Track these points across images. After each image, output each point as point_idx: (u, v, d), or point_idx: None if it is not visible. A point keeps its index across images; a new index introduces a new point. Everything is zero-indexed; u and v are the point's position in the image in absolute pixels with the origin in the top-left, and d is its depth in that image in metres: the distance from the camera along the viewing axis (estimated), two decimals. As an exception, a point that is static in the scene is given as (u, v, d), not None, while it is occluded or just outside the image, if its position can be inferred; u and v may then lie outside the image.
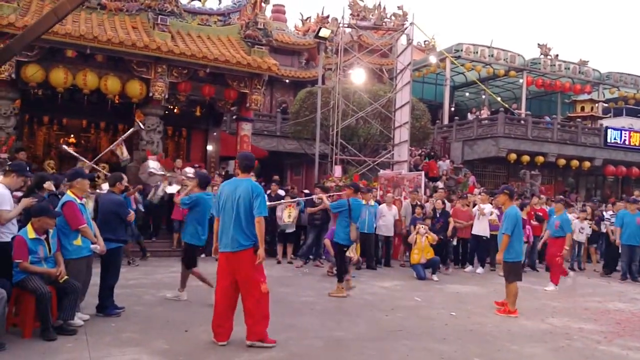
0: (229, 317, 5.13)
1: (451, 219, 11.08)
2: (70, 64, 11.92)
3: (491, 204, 11.36)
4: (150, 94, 12.35)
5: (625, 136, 22.35)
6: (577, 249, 12.50)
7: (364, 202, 10.78)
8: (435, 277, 9.72)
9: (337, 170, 15.51)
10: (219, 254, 5.16)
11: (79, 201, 5.55)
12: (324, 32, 16.02)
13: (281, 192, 12.11)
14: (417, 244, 9.83)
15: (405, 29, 17.14)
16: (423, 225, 10.05)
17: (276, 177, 13.70)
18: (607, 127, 22.38)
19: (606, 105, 28.23)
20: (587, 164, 21.40)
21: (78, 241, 5.47)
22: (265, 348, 4.97)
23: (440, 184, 15.86)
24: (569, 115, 25.23)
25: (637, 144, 22.40)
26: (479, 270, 11.04)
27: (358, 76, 17.70)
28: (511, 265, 7.12)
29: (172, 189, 10.59)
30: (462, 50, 23.46)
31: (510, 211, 7.22)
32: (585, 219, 12.33)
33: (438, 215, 10.94)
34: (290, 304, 7.08)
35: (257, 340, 5.01)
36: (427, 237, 9.86)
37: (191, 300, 6.91)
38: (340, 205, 8.06)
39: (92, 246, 5.57)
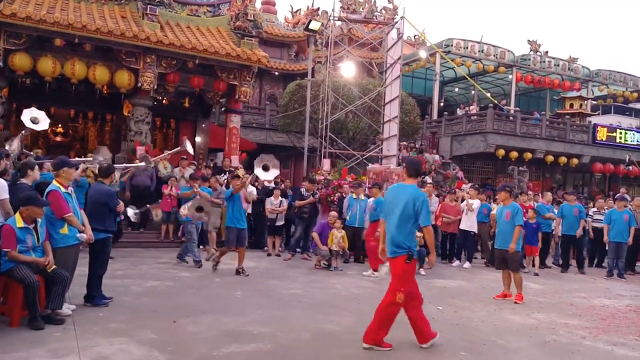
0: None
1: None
2: (59, 53, 11.79)
3: (480, 199, 11.47)
4: (139, 85, 12.26)
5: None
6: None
7: (354, 196, 10.86)
8: (422, 271, 9.78)
9: (326, 164, 15.50)
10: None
11: (64, 190, 5.50)
12: (314, 25, 15.96)
13: (272, 185, 12.08)
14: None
15: (396, 23, 17.11)
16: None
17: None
18: (595, 124, 22.62)
19: (595, 102, 28.49)
20: (575, 160, 21.61)
21: (64, 230, 5.44)
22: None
23: (428, 179, 15.92)
24: (558, 112, 25.42)
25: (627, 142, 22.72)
26: (466, 265, 11.13)
27: (348, 70, 17.67)
28: (518, 254, 7.98)
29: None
30: (452, 45, 23.52)
31: (516, 206, 7.96)
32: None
33: None
34: (278, 297, 7.10)
35: (374, 344, 5.00)
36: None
37: (178, 292, 6.89)
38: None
39: (78, 235, 5.52)
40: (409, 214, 4.93)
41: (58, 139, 17.54)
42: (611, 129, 22.62)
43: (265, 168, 9.20)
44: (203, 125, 16.61)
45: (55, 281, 5.17)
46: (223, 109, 15.74)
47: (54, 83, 12.75)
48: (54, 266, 5.22)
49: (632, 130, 23.56)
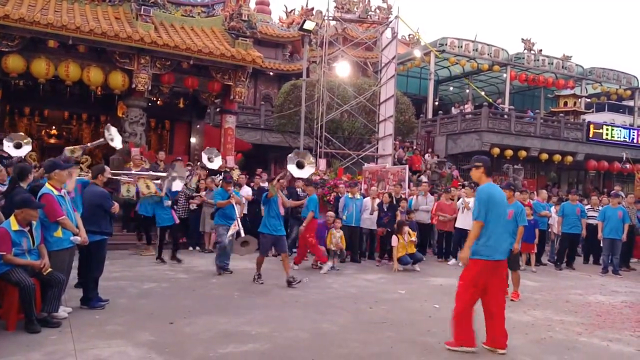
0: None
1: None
2: (52, 54, 11.75)
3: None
4: (133, 86, 12.24)
5: (633, 134, 22.83)
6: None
7: (350, 195, 10.88)
8: (417, 267, 9.86)
9: (322, 164, 15.50)
10: (484, 261, 4.95)
11: (57, 193, 5.47)
12: (309, 25, 15.96)
13: (266, 185, 12.07)
14: (401, 242, 9.91)
15: (390, 22, 17.15)
16: (405, 227, 10.11)
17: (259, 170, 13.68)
18: (589, 122, 22.72)
19: (589, 100, 28.62)
20: (569, 158, 21.71)
21: (59, 233, 5.41)
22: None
23: (424, 178, 15.96)
24: (552, 110, 25.54)
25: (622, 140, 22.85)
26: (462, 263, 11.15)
27: (342, 69, 17.70)
28: (519, 253, 8.31)
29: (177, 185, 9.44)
30: (446, 45, 23.58)
31: (520, 205, 8.08)
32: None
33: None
34: (275, 297, 7.10)
35: (496, 348, 5.05)
36: (408, 233, 9.95)
37: (175, 293, 6.89)
38: None
39: (72, 238, 5.49)
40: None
41: (52, 140, 17.46)
42: (598, 125, 22.74)
43: (300, 165, 8.39)
44: (198, 126, 16.58)
45: (51, 284, 5.16)
46: (218, 109, 15.72)
47: (48, 85, 12.70)
48: (49, 269, 5.20)
49: (619, 127, 23.68)
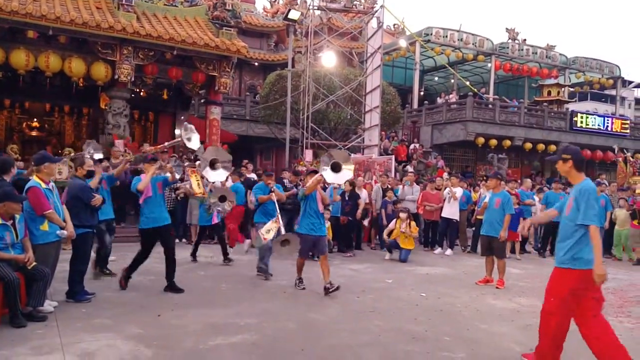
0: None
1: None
2: (32, 45, 11.52)
3: (461, 187, 11.62)
4: (116, 77, 12.07)
5: (608, 122, 23.08)
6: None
7: (335, 186, 10.87)
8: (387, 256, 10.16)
9: (308, 155, 15.50)
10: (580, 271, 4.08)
11: (44, 186, 5.40)
12: (294, 14, 15.87)
13: (252, 176, 12.04)
14: (397, 229, 9.97)
15: (376, 11, 17.11)
16: (403, 214, 10.16)
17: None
18: (573, 111, 22.96)
19: (572, 89, 28.90)
20: (552, 147, 21.94)
21: (45, 226, 5.34)
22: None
23: (410, 168, 16.04)
24: (536, 99, 25.76)
25: (618, 130, 23.14)
26: (448, 252, 11.27)
27: (328, 59, 17.63)
28: (505, 242, 8.30)
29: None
30: (431, 34, 23.61)
31: (507, 194, 8.22)
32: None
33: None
34: (263, 288, 7.11)
35: None
36: (408, 224, 9.99)
37: (163, 286, 6.85)
38: None
39: (58, 232, 5.43)
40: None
41: (34, 133, 17.19)
42: (573, 113, 22.98)
43: (336, 168, 6.69)
44: (182, 117, 16.42)
45: (35, 278, 5.09)
46: (202, 100, 15.59)
47: (28, 76, 12.47)
48: (34, 263, 5.13)
49: (593, 115, 23.96)
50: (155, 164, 6.71)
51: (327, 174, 6.69)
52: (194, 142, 7.37)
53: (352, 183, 11.08)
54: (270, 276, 7.80)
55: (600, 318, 4.18)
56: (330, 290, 6.73)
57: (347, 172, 6.79)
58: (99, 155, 8.17)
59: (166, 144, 8.14)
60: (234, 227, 10.27)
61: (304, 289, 7.05)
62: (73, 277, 5.91)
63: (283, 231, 6.96)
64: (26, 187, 5.38)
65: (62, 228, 5.46)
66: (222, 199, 8.10)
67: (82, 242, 5.95)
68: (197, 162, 8.94)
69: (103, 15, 11.83)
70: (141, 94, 14.44)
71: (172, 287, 6.61)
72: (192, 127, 7.37)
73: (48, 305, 5.34)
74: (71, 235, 5.58)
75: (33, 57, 11.45)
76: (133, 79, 12.38)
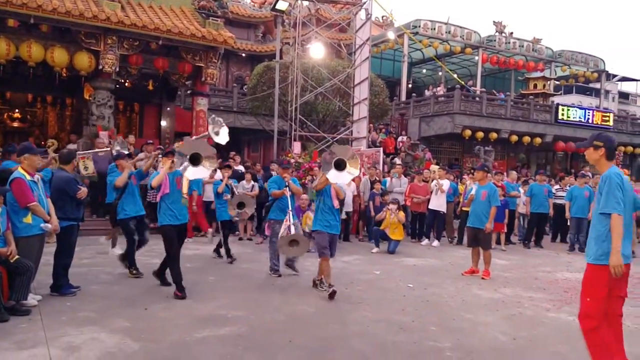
0: None
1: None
2: (13, 34, 11.29)
3: (448, 179, 11.68)
4: (100, 67, 11.90)
5: (589, 115, 23.27)
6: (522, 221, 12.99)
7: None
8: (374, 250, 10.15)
9: (296, 147, 15.42)
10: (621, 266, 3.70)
11: (29, 178, 5.30)
12: (281, 5, 15.71)
13: (240, 168, 11.98)
14: (387, 219, 10.01)
15: (364, 3, 17.01)
16: (393, 205, 10.20)
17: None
18: (558, 104, 23.13)
19: (557, 82, 29.11)
20: (538, 140, 22.13)
21: (28, 219, 5.25)
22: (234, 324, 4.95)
23: (397, 160, 16.06)
24: (522, 92, 25.90)
25: (598, 122, 23.35)
26: (435, 243, 11.33)
27: (316, 51, 17.52)
28: (491, 233, 8.45)
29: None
30: (419, 27, 23.58)
31: (493, 186, 8.35)
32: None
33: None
34: (251, 280, 7.09)
35: None
36: (396, 215, 10.03)
37: (149, 279, 6.80)
38: None
39: (42, 225, 5.33)
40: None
41: (15, 124, 16.87)
42: (558, 106, 23.14)
43: (340, 166, 6.09)
44: (168, 108, 16.26)
45: (19, 272, 5.01)
46: (189, 91, 15.43)
47: (10, 66, 12.21)
48: (16, 256, 5.05)
49: (574, 107, 24.16)
50: (171, 158, 6.31)
51: (332, 174, 6.11)
52: (222, 137, 6.98)
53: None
54: (297, 273, 7.62)
55: (621, 321, 3.92)
56: (321, 288, 6.32)
57: (353, 170, 6.17)
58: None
59: (193, 137, 7.91)
60: (199, 212, 10.49)
61: (324, 290, 6.28)
62: (57, 270, 5.84)
63: (293, 230, 6.56)
64: (10, 178, 5.28)
65: (46, 221, 5.36)
66: (241, 205, 7.88)
67: (66, 235, 5.87)
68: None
69: (86, 4, 11.62)
70: (126, 84, 14.26)
71: (162, 279, 6.49)
72: (221, 120, 7.09)
73: (32, 299, 5.27)
74: (55, 229, 5.49)
75: (14, 47, 11.22)
76: (118, 70, 12.21)
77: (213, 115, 7.75)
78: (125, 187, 7.02)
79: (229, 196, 8.68)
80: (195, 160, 5.91)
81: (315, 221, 6.58)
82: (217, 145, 8.00)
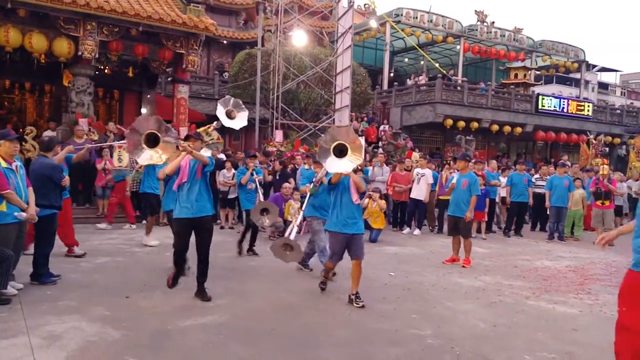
0: None
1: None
2: (-11, 18, 11.01)
3: (429, 168, 11.77)
4: (79, 53, 11.69)
5: (563, 104, 23.54)
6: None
7: (306, 167, 10.87)
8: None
9: (278, 135, 15.40)
10: None
11: (5, 165, 5.20)
12: (264, -8, 15.59)
13: (222, 157, 11.90)
14: (369, 208, 10.05)
15: (347, -9, 16.94)
16: (375, 194, 10.24)
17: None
18: (538, 94, 23.37)
19: (538, 72, 29.40)
20: (518, 129, 22.38)
21: (2, 207, 5.12)
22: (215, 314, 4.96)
23: (379, 149, 16.14)
24: (503, 82, 26.12)
25: (573, 112, 23.65)
26: (416, 232, 11.44)
27: (298, 38, 17.43)
28: (471, 222, 8.64)
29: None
30: (402, 15, 23.57)
31: (474, 176, 8.42)
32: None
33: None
34: (233, 269, 7.08)
35: None
36: (377, 202, 10.08)
37: (130, 267, 6.76)
38: None
39: (16, 213, 5.17)
40: None
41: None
42: (538, 96, 23.39)
43: (340, 152, 5.25)
44: (149, 96, 16.04)
45: (-3, 260, 4.94)
46: (170, 79, 15.25)
47: (-14, 52, 11.93)
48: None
49: (549, 96, 24.44)
50: (193, 141, 5.44)
51: (330, 163, 5.25)
52: (238, 121, 6.80)
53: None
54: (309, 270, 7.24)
55: None
56: (356, 304, 5.49)
57: (356, 158, 5.28)
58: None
59: (214, 123, 7.73)
60: (115, 202, 10.39)
61: (324, 289, 6.07)
62: (38, 259, 5.78)
63: (293, 235, 5.90)
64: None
65: (22, 210, 5.24)
66: (264, 212, 7.28)
67: (47, 224, 5.81)
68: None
69: (65, -12, 11.37)
70: (106, 71, 14.02)
71: (202, 293, 5.56)
72: (240, 101, 7.09)
73: (12, 288, 5.21)
74: (31, 218, 5.35)
75: (-10, 32, 10.95)
76: (97, 56, 12.02)
77: (229, 96, 7.51)
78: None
79: (253, 185, 8.26)
80: (153, 139, 5.27)
81: (330, 220, 5.73)
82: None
